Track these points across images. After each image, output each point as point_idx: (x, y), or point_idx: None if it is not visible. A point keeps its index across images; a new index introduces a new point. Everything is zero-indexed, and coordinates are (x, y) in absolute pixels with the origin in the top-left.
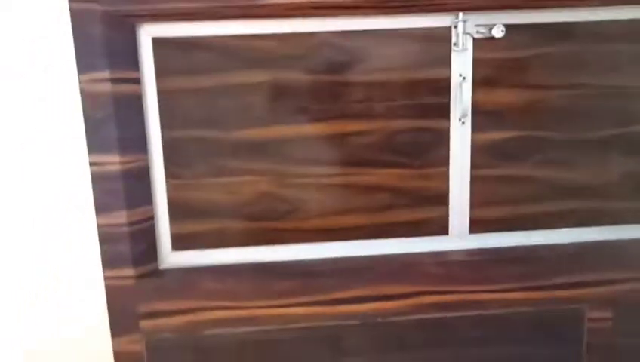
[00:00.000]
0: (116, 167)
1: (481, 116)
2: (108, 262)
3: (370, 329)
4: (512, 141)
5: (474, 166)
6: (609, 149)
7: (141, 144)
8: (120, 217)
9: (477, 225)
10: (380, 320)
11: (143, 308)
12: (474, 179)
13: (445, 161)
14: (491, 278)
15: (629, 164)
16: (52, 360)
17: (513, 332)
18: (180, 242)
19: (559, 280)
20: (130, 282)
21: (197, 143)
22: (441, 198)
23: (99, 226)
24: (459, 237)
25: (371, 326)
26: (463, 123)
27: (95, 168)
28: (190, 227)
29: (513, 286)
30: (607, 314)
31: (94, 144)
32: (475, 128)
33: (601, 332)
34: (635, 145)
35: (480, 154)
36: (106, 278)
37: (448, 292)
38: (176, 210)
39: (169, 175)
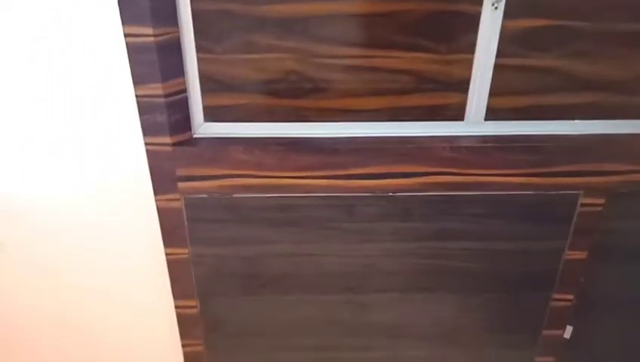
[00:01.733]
0: (150, 39)
1: (514, 1)
2: (148, 130)
3: (381, 201)
4: (543, 30)
5: (500, 54)
6: (635, 44)
7: (173, 16)
8: (156, 89)
9: (493, 113)
10: (390, 194)
11: (180, 171)
12: (497, 68)
13: (472, 48)
14: (498, 163)
15: None
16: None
17: (510, 211)
18: (212, 114)
19: (560, 168)
20: (168, 148)
21: (226, 16)
22: (462, 85)
23: (137, 97)
24: (474, 123)
25: (382, 199)
26: (496, 8)
27: (130, 39)
28: (220, 100)
29: (517, 172)
30: (600, 201)
31: (128, 15)
32: (508, 14)
33: (589, 215)
34: None
35: (508, 42)
36: (146, 144)
37: (457, 174)
38: (207, 84)
39: (200, 49)
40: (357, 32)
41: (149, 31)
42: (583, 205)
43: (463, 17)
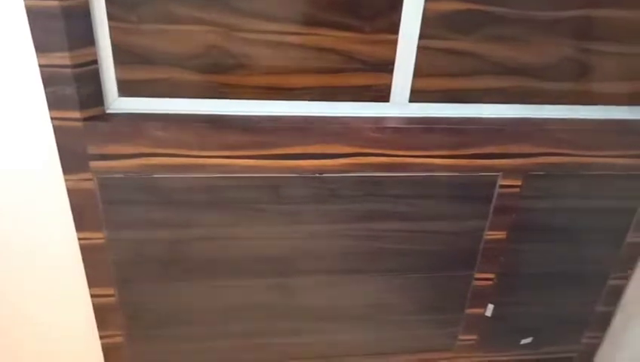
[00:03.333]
0: (54, 3)
1: None
2: (54, 104)
3: (308, 182)
4: (464, 13)
5: (423, 36)
6: (553, 31)
7: None
8: (63, 58)
9: (417, 95)
10: (317, 175)
11: (92, 149)
12: (420, 49)
13: (396, 28)
14: (421, 145)
15: (568, 48)
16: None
17: (434, 192)
18: (127, 89)
19: (480, 150)
20: (78, 124)
21: None
22: (388, 66)
23: (40, 66)
24: (399, 105)
25: (309, 180)
26: None
27: (30, 2)
28: (136, 74)
29: (439, 153)
30: (517, 183)
31: None
32: None
33: (507, 196)
34: (579, 30)
35: (430, 24)
36: (52, 119)
37: (382, 155)
38: (121, 55)
39: (112, 16)
40: (282, 7)
41: None
42: (501, 186)
43: None
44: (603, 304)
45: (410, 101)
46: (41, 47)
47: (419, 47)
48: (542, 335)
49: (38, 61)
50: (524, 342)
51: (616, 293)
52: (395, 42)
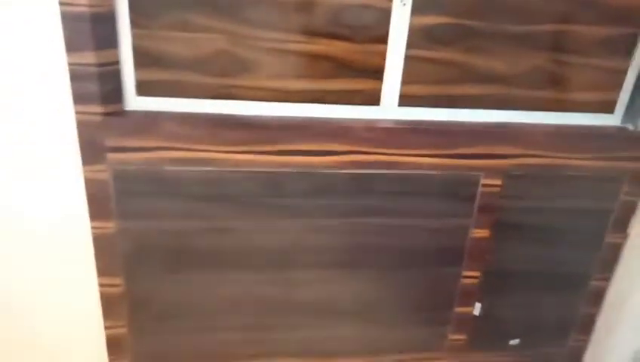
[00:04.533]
0: (84, 9)
1: (420, 0)
2: (78, 98)
3: (306, 178)
4: (445, 27)
5: (409, 46)
6: (526, 44)
7: None
8: (89, 57)
9: (405, 100)
10: (313, 171)
11: (110, 142)
12: (408, 58)
13: (385, 39)
14: (409, 145)
15: (540, 58)
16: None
17: (422, 189)
18: (144, 88)
19: (463, 151)
20: (98, 118)
21: None
22: (378, 73)
23: (69, 64)
24: (389, 108)
25: (307, 175)
26: (404, 4)
27: (64, 8)
28: (154, 75)
29: (426, 153)
30: (497, 182)
31: None
32: (415, 10)
33: (489, 195)
34: (550, 43)
35: (416, 36)
36: (76, 113)
37: (373, 153)
38: (141, 58)
39: (134, 23)
40: (283, 18)
41: (84, 1)
42: (484, 185)
43: (376, 11)
44: (586, 305)
45: (399, 105)
46: (70, 47)
47: (406, 57)
48: (529, 337)
49: (68, 59)
50: (512, 343)
51: (599, 294)
52: (384, 52)
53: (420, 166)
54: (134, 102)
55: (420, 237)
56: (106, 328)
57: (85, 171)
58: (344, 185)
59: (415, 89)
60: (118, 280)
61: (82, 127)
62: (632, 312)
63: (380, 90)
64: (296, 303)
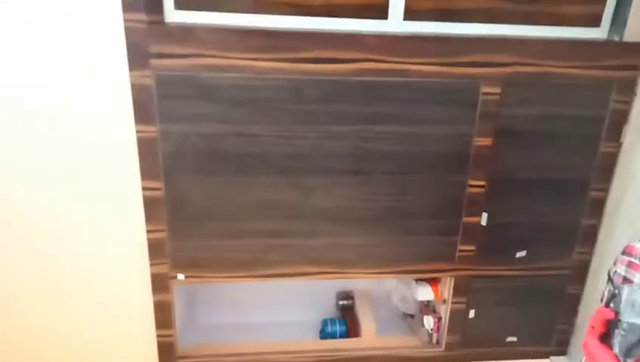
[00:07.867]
0: None
1: None
2: (127, 6)
3: (323, 84)
4: None
5: None
6: None
7: None
8: None
9: (410, 14)
10: (328, 78)
11: (153, 48)
12: None
13: None
14: (414, 53)
15: None
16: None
17: (427, 97)
18: (182, 2)
19: (463, 59)
20: (143, 26)
21: None
22: None
23: None
24: (395, 22)
25: (324, 82)
26: None
27: None
28: None
29: (430, 61)
30: (497, 90)
31: None
32: None
33: (490, 103)
34: None
35: None
36: (125, 20)
37: (382, 61)
38: None
39: None
40: None
41: None
42: (484, 93)
43: None
44: (587, 216)
45: (405, 19)
46: None
47: None
48: (535, 249)
49: None
50: (519, 255)
51: (598, 205)
52: None
53: (424, 74)
54: (173, 14)
55: (428, 143)
56: (147, 232)
57: (132, 77)
58: (356, 93)
59: (419, 4)
60: (158, 183)
61: (130, 33)
62: (627, 212)
63: (387, 5)
64: (314, 209)
